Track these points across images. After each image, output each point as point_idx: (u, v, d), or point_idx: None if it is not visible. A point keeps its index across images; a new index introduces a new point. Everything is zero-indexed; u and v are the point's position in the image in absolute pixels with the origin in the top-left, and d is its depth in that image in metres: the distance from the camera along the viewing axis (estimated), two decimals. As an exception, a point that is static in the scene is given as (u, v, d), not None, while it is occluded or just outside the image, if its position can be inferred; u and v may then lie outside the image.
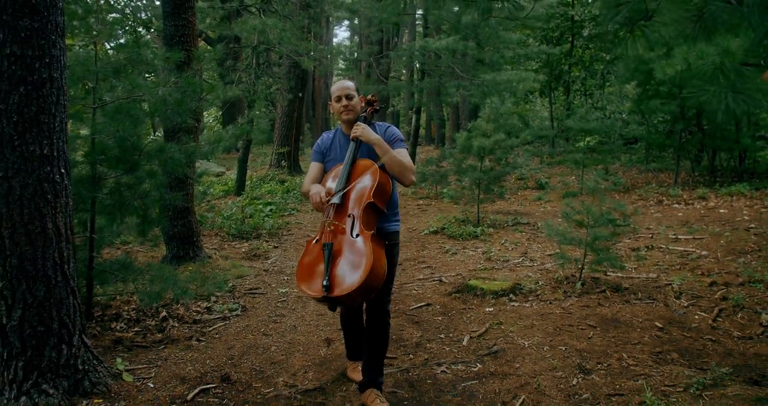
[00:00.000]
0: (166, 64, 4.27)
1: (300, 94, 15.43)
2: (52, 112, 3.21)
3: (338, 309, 3.46)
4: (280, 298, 5.48)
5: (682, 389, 3.29)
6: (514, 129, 9.89)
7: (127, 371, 3.70)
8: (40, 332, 3.25)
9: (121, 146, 3.96)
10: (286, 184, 13.38)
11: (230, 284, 5.70)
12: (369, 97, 3.44)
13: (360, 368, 3.51)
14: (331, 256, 2.90)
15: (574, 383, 3.46)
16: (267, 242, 8.03)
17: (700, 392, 3.23)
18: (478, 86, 11.91)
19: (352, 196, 3.06)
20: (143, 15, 20.73)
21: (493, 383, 3.51)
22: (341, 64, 29.30)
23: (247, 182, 12.73)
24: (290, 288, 5.80)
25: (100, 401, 3.33)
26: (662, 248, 6.86)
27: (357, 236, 2.94)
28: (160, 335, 4.43)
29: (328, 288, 2.78)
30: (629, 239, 7.39)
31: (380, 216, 3.16)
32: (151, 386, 3.56)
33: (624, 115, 15.53)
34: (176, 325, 4.64)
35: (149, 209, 4.34)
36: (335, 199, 3.05)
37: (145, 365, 3.84)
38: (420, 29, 20.63)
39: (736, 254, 6.26)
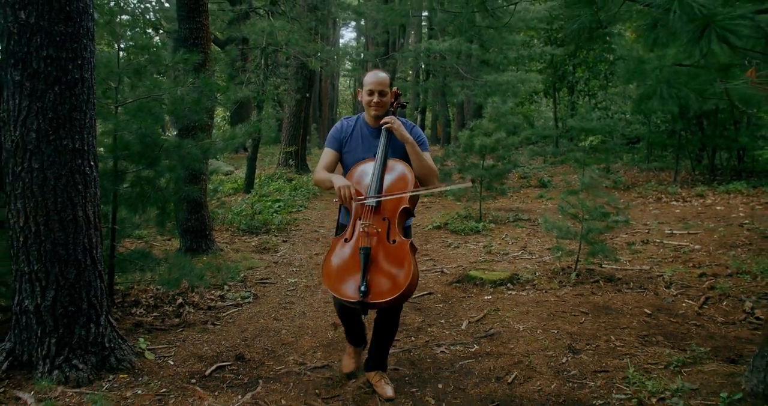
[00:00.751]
0: (185, 65, 4.57)
1: (307, 95, 15.73)
2: (83, 109, 3.50)
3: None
4: (289, 287, 5.76)
5: (663, 367, 3.54)
6: (517, 128, 10.13)
7: (149, 350, 3.99)
8: (70, 312, 3.54)
9: (143, 142, 4.26)
10: (293, 182, 13.67)
11: (242, 275, 5.99)
12: (395, 89, 3.35)
13: (355, 355, 3.62)
14: (368, 260, 2.84)
15: (563, 361, 3.72)
16: (276, 236, 8.33)
17: (679, 369, 3.48)
18: (482, 87, 12.21)
19: (389, 198, 3.00)
20: (152, 16, 21.09)
21: (488, 362, 3.78)
22: (348, 65, 29.64)
23: (256, 180, 13.03)
24: (299, 278, 6.09)
25: (125, 376, 3.61)
26: (657, 242, 7.11)
27: (394, 241, 2.90)
28: (177, 320, 4.72)
29: (366, 294, 2.76)
30: (626, 233, 7.63)
31: (408, 217, 3.18)
32: (172, 363, 3.85)
33: (627, 115, 15.74)
34: (192, 311, 4.93)
35: (168, 202, 4.63)
36: (372, 202, 2.98)
37: (165, 345, 4.13)
38: (426, 30, 20.89)
39: (727, 248, 6.49)
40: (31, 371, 3.55)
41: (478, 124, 8.84)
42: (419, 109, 16.16)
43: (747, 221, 7.76)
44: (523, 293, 5.24)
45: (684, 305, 4.80)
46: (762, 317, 4.41)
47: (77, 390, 3.39)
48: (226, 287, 5.56)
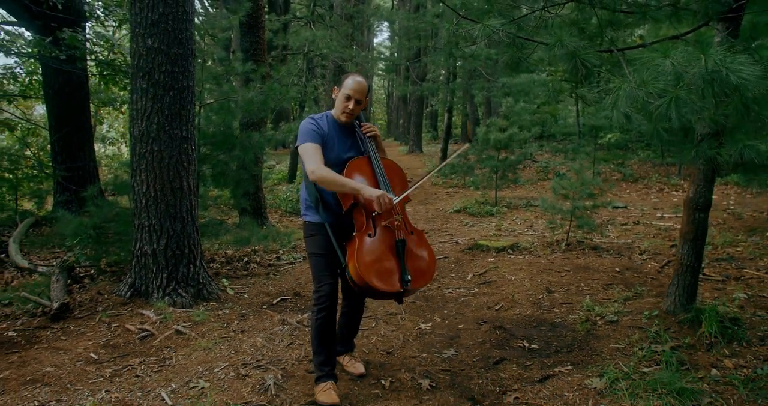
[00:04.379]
0: (254, 75, 5.90)
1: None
2: (188, 108, 4.85)
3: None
4: (330, 253, 7.06)
5: (613, 301, 4.72)
6: (536, 125, 11.22)
7: (230, 287, 5.33)
8: (177, 255, 4.88)
9: (223, 133, 5.60)
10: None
11: (292, 243, 7.32)
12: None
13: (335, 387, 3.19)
14: (405, 252, 3.01)
15: (539, 297, 4.93)
16: (317, 218, 9.66)
17: (623, 301, 4.66)
18: (500, 88, 13.36)
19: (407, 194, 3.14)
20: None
21: (482, 298, 5.01)
22: (381, 64, 30.95)
23: (297, 172, 14.43)
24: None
25: (215, 304, 4.94)
26: (647, 223, 8.20)
27: (412, 232, 3.15)
28: (245, 272, 6.06)
29: (409, 282, 2.94)
30: (621, 216, 8.73)
31: None
32: (247, 296, 5.18)
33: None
34: (256, 266, 6.27)
35: (241, 179, 5.97)
36: (396, 200, 3.02)
37: (240, 286, 5.47)
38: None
39: (704, 227, 7.56)
40: (147, 298, 4.90)
41: (493, 121, 10.04)
42: (446, 108, 17.33)
43: (732, 207, 8.78)
44: (521, 257, 6.44)
45: (649, 266, 5.93)
46: (707, 272, 5.53)
47: (183, 310, 4.73)
48: (280, 252, 6.89)
